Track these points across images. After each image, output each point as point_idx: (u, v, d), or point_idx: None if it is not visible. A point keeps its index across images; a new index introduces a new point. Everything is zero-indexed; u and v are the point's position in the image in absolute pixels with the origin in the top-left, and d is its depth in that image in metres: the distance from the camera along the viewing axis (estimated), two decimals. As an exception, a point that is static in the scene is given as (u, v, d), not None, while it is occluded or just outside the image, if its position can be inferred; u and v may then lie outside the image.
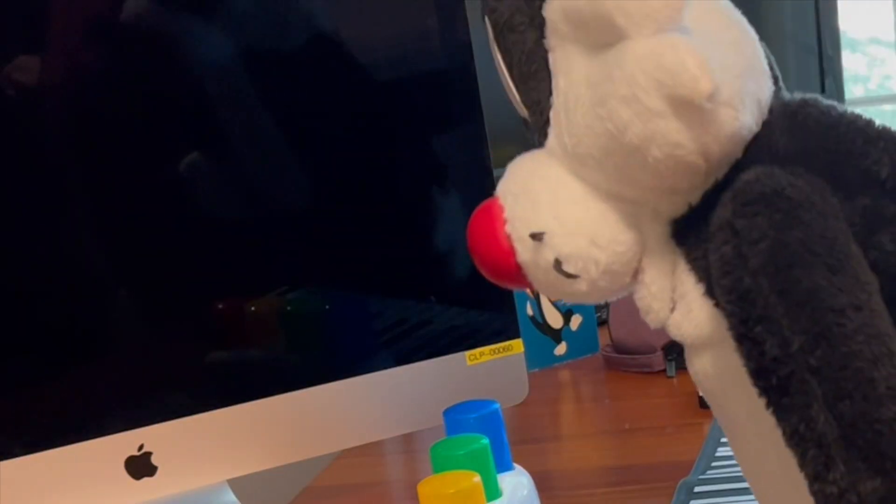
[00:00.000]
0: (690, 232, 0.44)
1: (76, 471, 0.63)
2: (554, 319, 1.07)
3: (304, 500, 0.87)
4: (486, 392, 0.66)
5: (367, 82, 0.70)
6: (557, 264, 0.44)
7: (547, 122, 0.45)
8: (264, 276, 0.69)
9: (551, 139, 0.45)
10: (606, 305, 1.07)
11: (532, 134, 0.47)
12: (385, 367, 0.69)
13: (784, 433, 0.39)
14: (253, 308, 0.69)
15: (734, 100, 0.41)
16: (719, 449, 0.79)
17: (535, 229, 0.44)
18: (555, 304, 1.07)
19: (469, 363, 0.71)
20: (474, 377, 0.71)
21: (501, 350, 0.72)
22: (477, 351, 0.71)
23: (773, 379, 0.39)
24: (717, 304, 0.43)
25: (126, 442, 0.64)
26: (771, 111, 0.43)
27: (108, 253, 0.66)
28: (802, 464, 0.39)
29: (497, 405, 0.62)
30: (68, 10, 0.64)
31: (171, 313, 0.67)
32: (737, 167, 0.42)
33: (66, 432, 0.63)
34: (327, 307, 0.71)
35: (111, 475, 0.64)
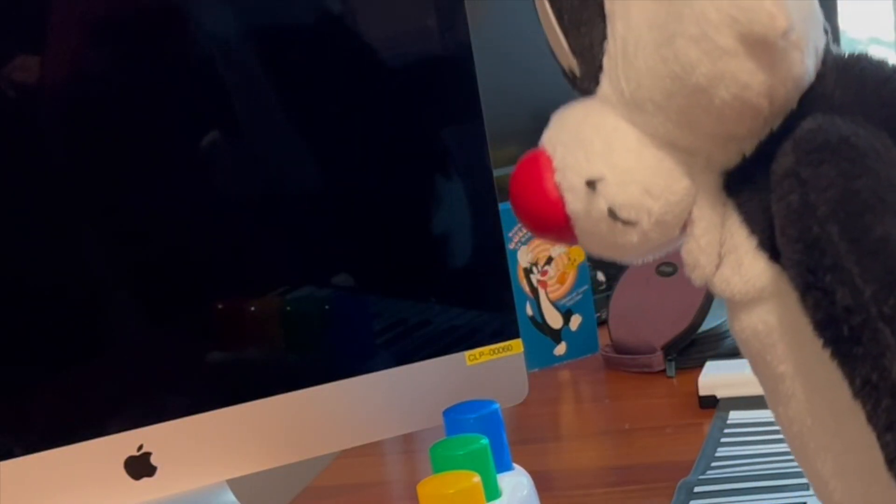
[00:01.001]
0: (744, 183, 0.44)
1: (76, 471, 0.63)
2: (553, 319, 1.07)
3: (304, 500, 0.87)
4: (485, 392, 0.66)
5: (367, 83, 0.70)
6: (611, 213, 0.43)
7: (599, 68, 0.44)
8: (264, 276, 0.69)
9: (604, 86, 0.44)
10: (606, 305, 1.06)
11: (580, 83, 0.46)
12: (385, 367, 0.69)
13: (853, 384, 0.39)
14: (253, 308, 0.69)
15: (801, 42, 0.40)
16: (719, 449, 0.79)
17: (590, 176, 0.43)
18: (555, 304, 1.07)
19: (469, 363, 0.71)
20: (474, 377, 0.71)
21: (501, 350, 0.72)
22: (477, 351, 0.71)
23: (843, 329, 0.38)
24: (771, 257, 0.43)
25: (125, 442, 0.64)
26: (824, 62, 0.43)
27: (109, 253, 0.66)
28: (874, 414, 0.38)
29: (497, 405, 0.62)
30: (68, 10, 0.64)
31: (171, 313, 0.67)
32: (792, 118, 0.42)
33: (65, 432, 0.63)
34: (327, 307, 0.71)
35: (110, 475, 0.64)
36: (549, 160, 0.45)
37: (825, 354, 0.41)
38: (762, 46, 0.39)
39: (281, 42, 0.69)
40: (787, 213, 0.40)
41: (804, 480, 0.69)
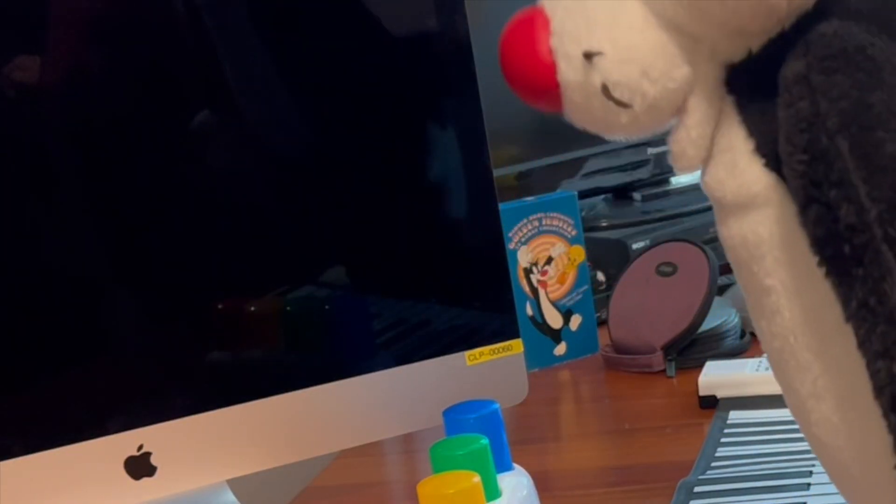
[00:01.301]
0: (746, 81, 0.42)
1: (75, 471, 0.63)
2: (553, 319, 1.07)
3: (304, 500, 0.87)
4: (485, 392, 0.66)
5: (367, 82, 0.70)
6: (605, 90, 0.41)
7: None
8: (264, 276, 0.69)
9: None
10: (606, 305, 1.06)
11: None
12: (385, 367, 0.69)
13: (848, 306, 0.37)
14: (253, 308, 0.69)
15: None
16: (719, 449, 0.79)
17: (589, 48, 0.41)
18: (554, 304, 1.07)
19: (469, 363, 0.71)
20: (474, 377, 0.71)
21: (501, 350, 0.72)
22: (477, 351, 0.71)
23: (844, 247, 0.37)
24: (768, 164, 0.41)
25: (125, 442, 0.64)
26: None
27: (108, 252, 0.66)
28: (866, 339, 0.37)
29: (497, 405, 0.62)
30: (68, 10, 0.64)
31: (171, 313, 0.67)
32: (805, 18, 0.40)
33: (65, 432, 0.63)
34: (327, 307, 0.71)
35: (110, 475, 0.64)
36: (546, 21, 0.43)
37: (817, 272, 0.39)
38: None
39: (282, 41, 0.69)
40: (796, 120, 0.38)
41: (804, 480, 0.70)
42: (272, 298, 0.69)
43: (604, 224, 1.23)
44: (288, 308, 0.70)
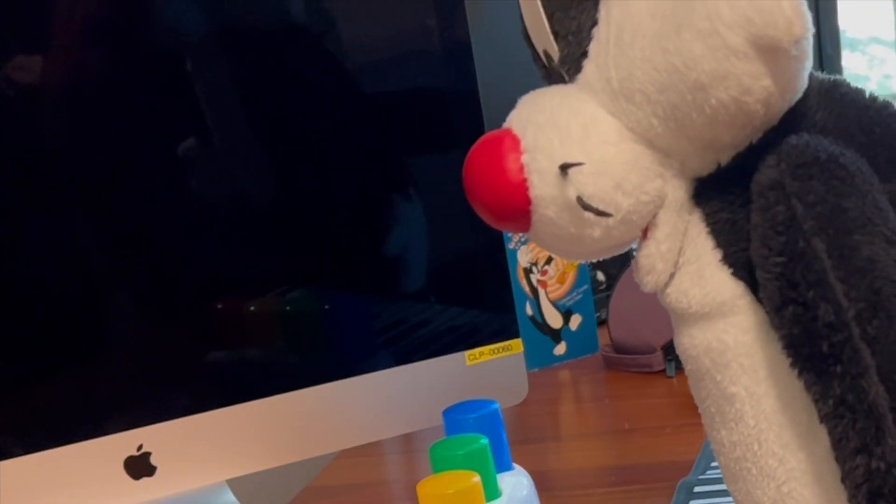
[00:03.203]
0: (715, 194, 0.43)
1: (75, 471, 0.63)
2: (553, 319, 1.07)
3: (303, 500, 0.87)
4: (485, 392, 0.66)
5: (367, 82, 0.70)
6: (581, 202, 0.42)
7: (584, 54, 0.43)
8: (264, 276, 0.69)
9: (589, 72, 0.43)
10: (606, 305, 1.06)
11: (555, 67, 0.44)
12: (385, 367, 0.69)
13: (825, 404, 0.38)
14: (253, 308, 0.69)
15: (806, 54, 0.39)
16: (719, 449, 0.79)
17: (565, 161, 0.42)
18: (554, 304, 1.07)
19: (469, 363, 0.71)
20: (474, 377, 0.71)
21: (501, 350, 0.72)
22: (476, 351, 0.71)
23: (823, 346, 0.37)
24: (734, 273, 0.42)
25: (125, 442, 0.64)
26: (808, 84, 0.42)
27: (108, 252, 0.66)
28: (844, 437, 0.37)
29: (497, 405, 0.62)
30: (68, 10, 0.64)
31: (171, 313, 0.67)
32: (771, 133, 0.41)
33: (65, 432, 0.63)
34: (327, 307, 0.71)
35: (110, 475, 0.64)
36: (515, 140, 0.43)
37: (782, 379, 0.40)
38: (773, 52, 0.38)
39: (282, 41, 0.69)
40: (772, 224, 0.39)
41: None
42: (272, 298, 0.69)
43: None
44: (288, 308, 0.70)
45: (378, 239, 0.72)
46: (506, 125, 0.44)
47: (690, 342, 0.44)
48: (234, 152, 0.69)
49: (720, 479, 0.73)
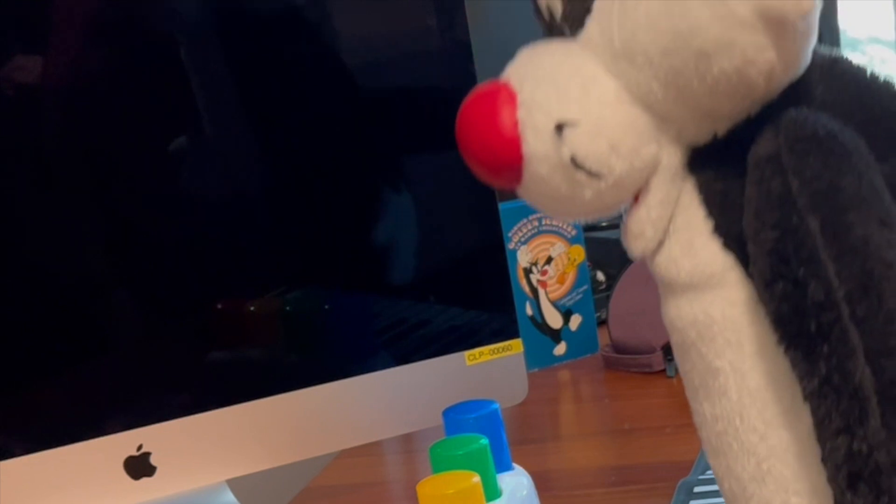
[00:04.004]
0: (709, 163, 0.42)
1: (75, 471, 0.63)
2: (553, 319, 1.07)
3: (303, 500, 0.87)
4: (485, 392, 0.66)
5: (368, 82, 0.70)
6: (574, 161, 0.41)
7: (587, 10, 0.42)
8: (264, 276, 0.69)
9: (591, 30, 0.42)
10: (606, 305, 1.06)
11: (557, 23, 0.43)
12: (385, 367, 0.69)
13: (809, 383, 0.38)
14: (253, 308, 0.69)
15: (812, 28, 0.39)
16: (719, 449, 0.79)
17: (561, 119, 0.41)
18: (554, 304, 1.07)
19: (468, 363, 0.71)
20: (474, 377, 0.71)
21: (501, 350, 0.72)
22: (476, 351, 0.71)
23: (811, 324, 0.37)
24: (725, 244, 0.42)
25: (125, 442, 0.64)
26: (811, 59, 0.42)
27: (108, 253, 0.66)
28: (826, 417, 0.37)
29: (496, 405, 0.62)
30: (68, 10, 0.64)
31: (171, 313, 0.67)
32: (770, 107, 0.41)
33: (65, 432, 0.63)
34: (327, 307, 0.71)
35: (110, 475, 0.64)
36: (511, 94, 0.42)
37: (767, 355, 0.40)
38: (780, 24, 0.37)
39: (282, 42, 0.69)
40: (767, 198, 0.39)
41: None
42: (272, 298, 0.69)
43: (604, 224, 1.22)
44: (288, 308, 0.70)
45: (378, 239, 0.72)
46: (503, 77, 0.43)
47: (677, 313, 0.44)
48: (235, 152, 0.69)
49: (720, 479, 0.73)
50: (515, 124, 0.42)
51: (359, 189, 0.71)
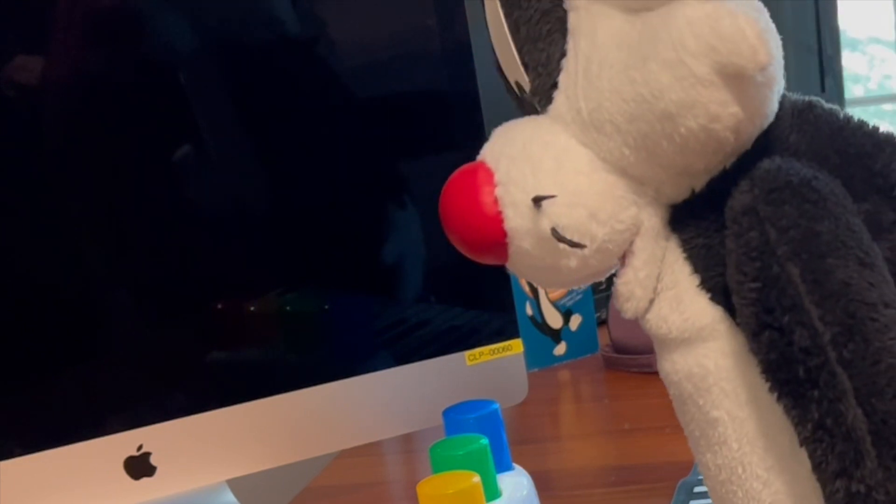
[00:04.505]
0: (690, 220, 0.43)
1: (75, 471, 0.63)
2: (553, 319, 1.07)
3: (303, 500, 0.87)
4: (485, 392, 0.66)
5: (367, 83, 0.70)
6: (555, 233, 0.42)
7: (554, 85, 0.43)
8: (263, 276, 0.69)
9: (559, 104, 0.43)
10: (606, 305, 1.06)
11: (528, 99, 0.45)
12: (385, 367, 0.69)
13: (804, 428, 0.38)
14: (252, 308, 0.69)
15: (774, 79, 0.40)
16: (719, 449, 0.79)
17: (537, 194, 0.42)
18: (554, 304, 1.07)
19: (469, 363, 0.71)
20: (474, 377, 0.71)
21: (501, 350, 0.72)
22: (476, 351, 0.71)
23: (799, 370, 0.38)
24: (712, 299, 0.42)
25: (125, 442, 0.64)
26: (781, 105, 0.42)
27: (108, 253, 0.66)
28: (823, 460, 0.38)
29: (497, 405, 0.62)
30: (68, 10, 0.64)
31: (171, 313, 0.67)
32: (745, 157, 0.41)
33: (65, 432, 0.63)
34: (327, 307, 0.71)
35: (110, 475, 0.64)
36: (489, 173, 0.43)
37: (764, 401, 0.40)
38: (739, 79, 0.38)
39: (282, 42, 0.69)
40: (746, 250, 0.39)
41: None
42: (272, 298, 0.69)
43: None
44: (288, 308, 0.70)
45: (378, 239, 0.72)
46: (479, 158, 0.44)
47: (672, 367, 0.45)
48: (236, 153, 0.69)
49: (720, 479, 0.73)
50: (495, 202, 0.43)
51: (359, 189, 0.71)
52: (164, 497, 0.65)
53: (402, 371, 0.70)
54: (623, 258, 0.44)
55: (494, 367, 0.71)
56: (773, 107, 0.41)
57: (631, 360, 1.02)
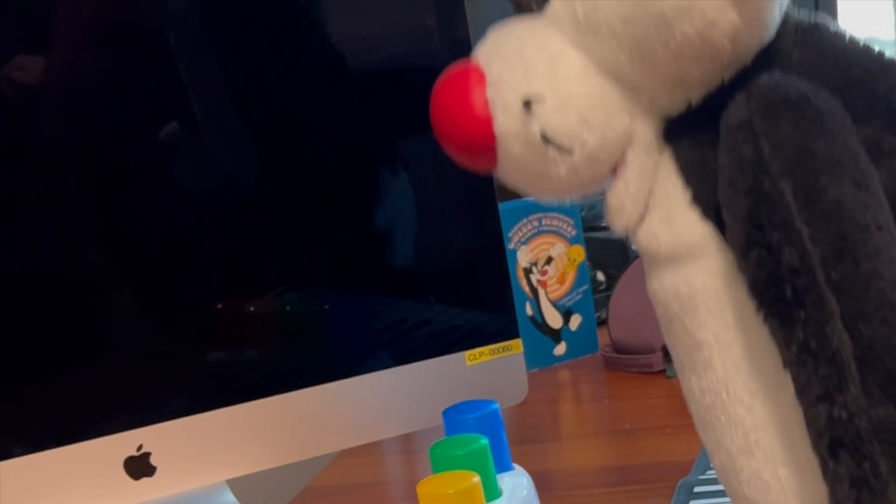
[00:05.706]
0: (685, 133, 0.42)
1: (75, 471, 0.63)
2: (553, 319, 1.07)
3: (303, 500, 0.87)
4: (485, 392, 0.66)
5: (367, 82, 0.70)
6: (545, 137, 0.41)
7: None
8: (263, 276, 0.69)
9: (555, 5, 0.42)
10: (606, 305, 1.06)
11: (527, 1, 0.43)
12: (384, 367, 0.69)
13: (788, 350, 0.37)
14: (252, 308, 0.69)
15: None
16: (719, 449, 0.79)
17: (528, 96, 0.41)
18: (554, 305, 1.07)
19: (469, 363, 0.71)
20: (474, 377, 0.71)
21: (501, 350, 0.72)
22: (476, 351, 0.71)
23: (786, 290, 0.37)
24: (704, 214, 0.41)
25: (125, 442, 0.64)
26: (785, 21, 0.41)
27: (108, 252, 0.66)
28: (806, 385, 0.37)
29: (497, 405, 0.62)
30: (68, 10, 0.64)
31: (171, 313, 0.67)
32: (744, 72, 0.40)
33: (65, 432, 0.63)
34: (327, 307, 0.71)
35: (110, 475, 0.64)
36: (481, 75, 0.42)
37: (751, 325, 0.39)
38: None
39: (281, 42, 0.69)
40: (739, 164, 0.38)
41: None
42: (272, 298, 0.69)
43: (604, 224, 1.22)
44: (288, 308, 0.70)
45: (378, 239, 0.72)
46: (472, 58, 0.43)
47: (659, 285, 0.43)
48: (236, 153, 0.69)
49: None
50: (486, 104, 0.42)
51: (359, 189, 0.71)
52: (164, 497, 0.65)
53: (402, 371, 0.70)
54: (615, 171, 0.43)
55: (494, 367, 0.71)
56: (774, 18, 0.40)
57: (631, 360, 1.02)
